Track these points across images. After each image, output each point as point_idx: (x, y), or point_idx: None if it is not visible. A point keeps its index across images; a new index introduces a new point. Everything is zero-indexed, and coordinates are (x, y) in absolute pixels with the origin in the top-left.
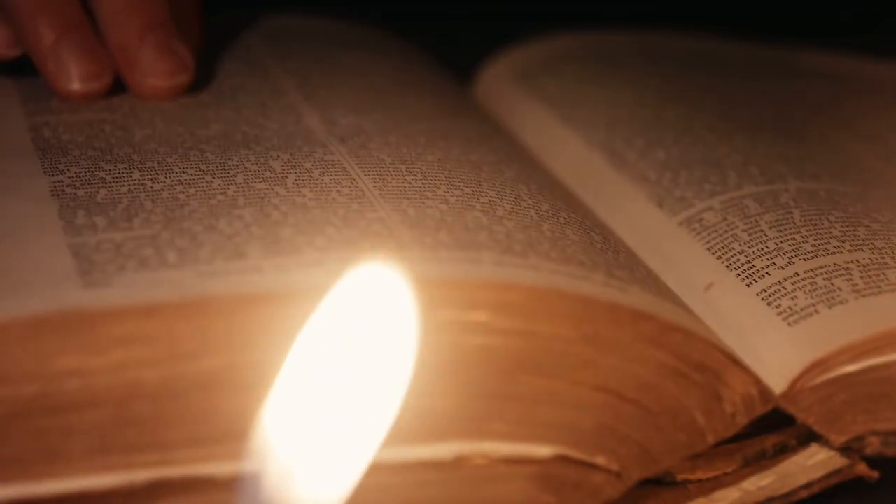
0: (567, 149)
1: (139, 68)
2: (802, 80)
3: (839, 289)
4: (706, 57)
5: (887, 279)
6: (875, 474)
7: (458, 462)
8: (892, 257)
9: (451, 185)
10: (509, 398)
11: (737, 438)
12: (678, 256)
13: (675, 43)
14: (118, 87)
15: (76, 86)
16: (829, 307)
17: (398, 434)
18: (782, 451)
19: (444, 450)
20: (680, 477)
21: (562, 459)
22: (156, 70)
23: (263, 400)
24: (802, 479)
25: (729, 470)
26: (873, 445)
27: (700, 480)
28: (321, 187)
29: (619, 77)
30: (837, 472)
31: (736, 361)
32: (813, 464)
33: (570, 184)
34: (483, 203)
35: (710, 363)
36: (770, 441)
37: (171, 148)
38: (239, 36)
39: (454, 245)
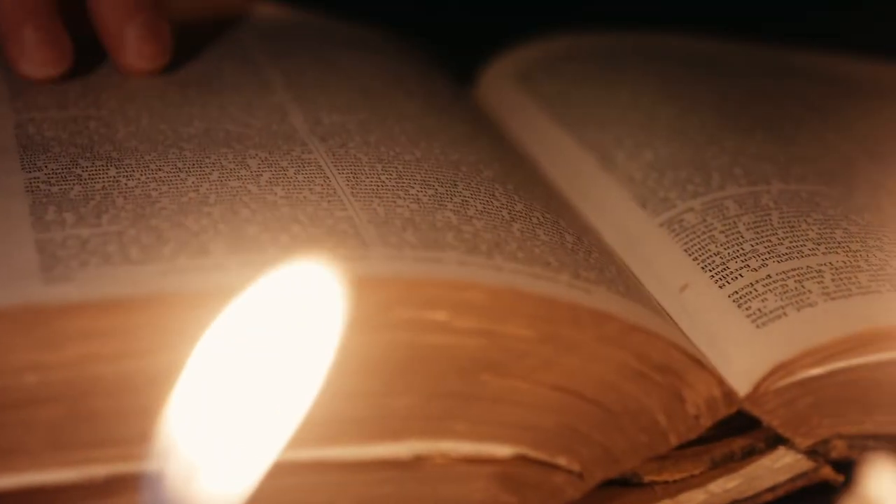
0: (560, 149)
1: (125, 49)
2: (798, 79)
3: (809, 291)
4: (704, 57)
5: (858, 282)
6: (840, 478)
7: (417, 461)
8: (866, 260)
9: (426, 184)
10: (469, 398)
11: (705, 441)
12: (657, 257)
13: (674, 43)
14: (105, 83)
15: (34, 70)
16: (798, 310)
17: (354, 433)
18: (750, 454)
19: (402, 449)
20: (647, 478)
21: (522, 459)
22: (143, 52)
23: None
24: (768, 482)
25: (696, 472)
26: (839, 449)
27: (667, 482)
28: (294, 185)
29: (615, 78)
30: (803, 475)
31: (699, 363)
32: (780, 467)
33: (561, 184)
34: (455, 203)
35: (672, 364)
36: (738, 443)
37: (151, 145)
38: (234, 32)
39: (419, 244)
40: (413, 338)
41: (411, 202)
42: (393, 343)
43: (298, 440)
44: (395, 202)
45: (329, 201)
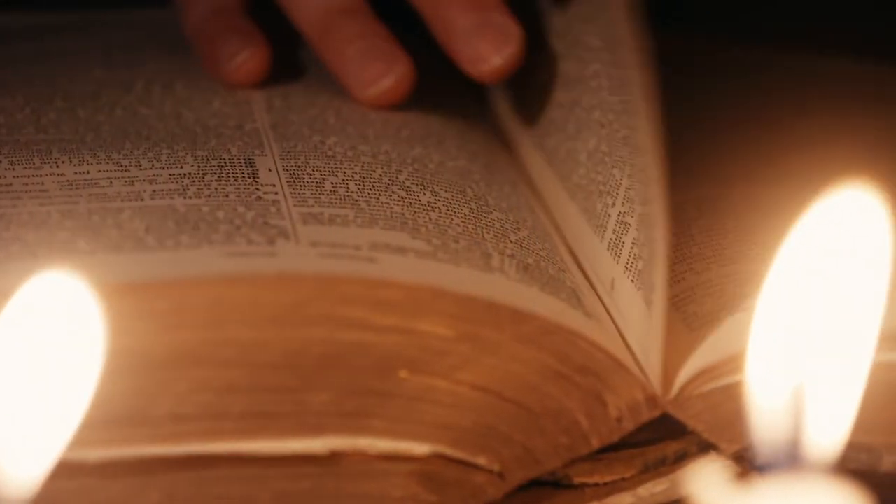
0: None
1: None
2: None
3: (747, 295)
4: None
5: None
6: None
7: (334, 457)
8: None
9: (365, 182)
10: (386, 395)
11: (638, 444)
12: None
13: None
14: None
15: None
16: (732, 314)
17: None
18: (682, 459)
19: (318, 444)
20: (577, 480)
21: (441, 458)
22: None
23: None
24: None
25: (627, 475)
26: None
27: (597, 484)
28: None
29: None
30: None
31: (623, 366)
32: (711, 470)
33: (545, 184)
34: (388, 199)
35: (593, 367)
36: (671, 448)
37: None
38: None
39: (338, 242)
40: (330, 334)
41: (347, 202)
42: (309, 339)
43: (211, 434)
44: (330, 201)
45: (259, 198)
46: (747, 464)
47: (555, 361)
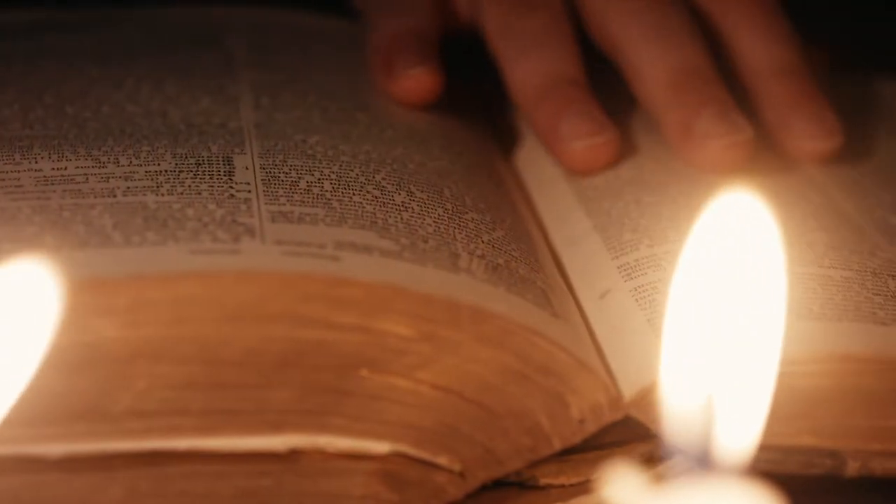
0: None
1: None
2: None
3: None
4: None
5: None
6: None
7: (294, 455)
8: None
9: (341, 182)
10: (346, 394)
11: (607, 445)
12: (589, 260)
13: None
14: None
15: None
16: None
17: (231, 424)
18: (650, 461)
19: (278, 442)
20: (543, 481)
21: (402, 457)
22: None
23: None
24: None
25: (594, 477)
26: None
27: (563, 485)
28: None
29: None
30: None
31: (585, 367)
32: (675, 473)
33: (532, 186)
34: (368, 199)
35: (555, 367)
36: (639, 450)
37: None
38: (226, 28)
39: (303, 240)
40: (290, 332)
41: (320, 201)
42: (269, 337)
43: (173, 430)
44: (303, 200)
45: (232, 196)
46: (661, 466)
47: (516, 362)
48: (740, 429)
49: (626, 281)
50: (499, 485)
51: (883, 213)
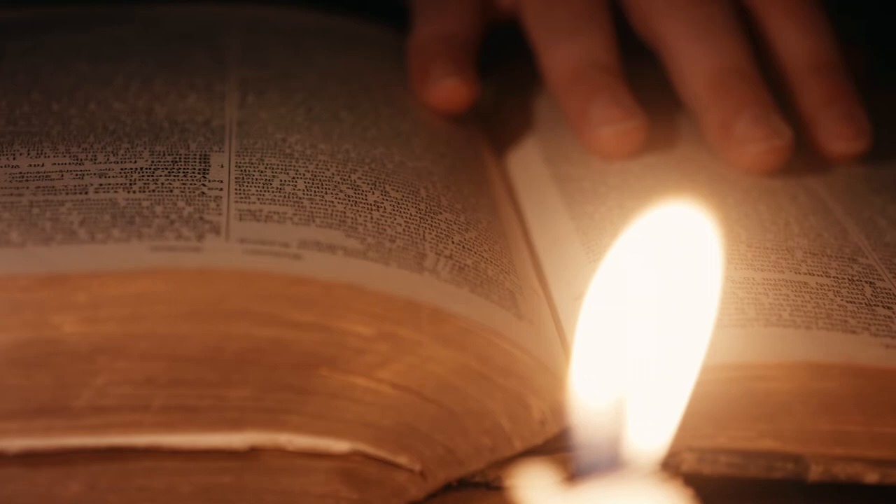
0: (528, 162)
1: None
2: None
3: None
4: None
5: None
6: (689, 492)
7: (253, 452)
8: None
9: (315, 181)
10: (306, 392)
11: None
12: (567, 261)
13: None
14: None
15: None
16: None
17: (190, 421)
18: (564, 461)
19: (237, 439)
20: (508, 482)
21: (362, 456)
22: (841, 134)
23: None
24: None
25: (560, 478)
26: (688, 462)
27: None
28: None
29: None
30: None
31: (547, 368)
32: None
33: (520, 189)
34: (340, 198)
35: (515, 368)
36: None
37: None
38: (222, 26)
39: (272, 239)
40: (248, 330)
41: (290, 199)
42: (228, 334)
43: (132, 426)
44: (273, 198)
45: (203, 193)
46: (574, 467)
47: (476, 362)
48: (653, 430)
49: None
50: (465, 485)
51: (871, 214)
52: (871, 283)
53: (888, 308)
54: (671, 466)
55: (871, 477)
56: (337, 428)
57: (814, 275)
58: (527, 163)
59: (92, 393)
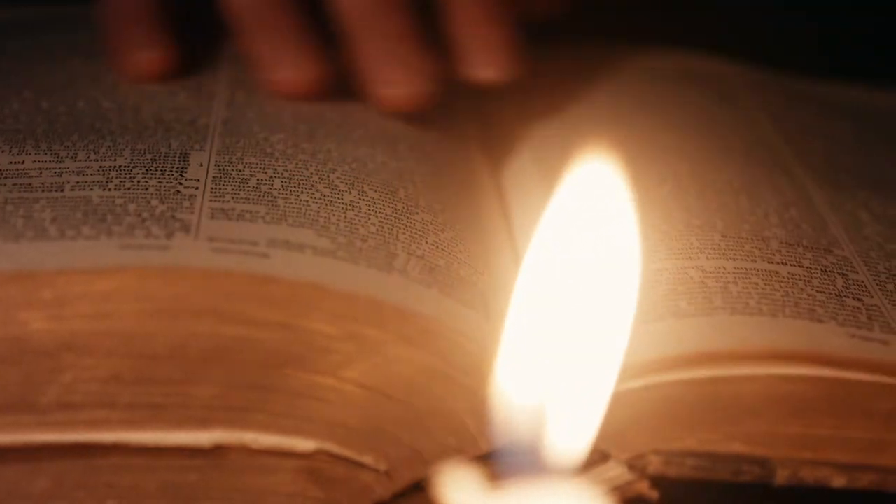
0: (519, 166)
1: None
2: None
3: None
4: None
5: (677, 304)
6: (654, 494)
7: (219, 450)
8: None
9: (291, 180)
10: (271, 390)
11: None
12: None
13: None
14: None
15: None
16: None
17: (155, 419)
18: (587, 464)
19: (203, 437)
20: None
21: (327, 455)
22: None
23: None
24: None
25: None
26: (654, 464)
27: None
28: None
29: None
30: (617, 488)
31: None
32: (606, 478)
33: (507, 185)
34: (316, 198)
35: (480, 369)
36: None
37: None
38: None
39: (241, 238)
40: (214, 329)
41: (265, 198)
42: (193, 333)
43: (99, 423)
44: (248, 197)
45: (178, 192)
46: (496, 467)
47: (440, 362)
48: (573, 431)
49: None
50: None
51: (853, 206)
52: (843, 274)
53: (858, 300)
54: (637, 469)
55: (839, 481)
56: (303, 427)
57: (787, 264)
58: (517, 163)
59: (59, 390)
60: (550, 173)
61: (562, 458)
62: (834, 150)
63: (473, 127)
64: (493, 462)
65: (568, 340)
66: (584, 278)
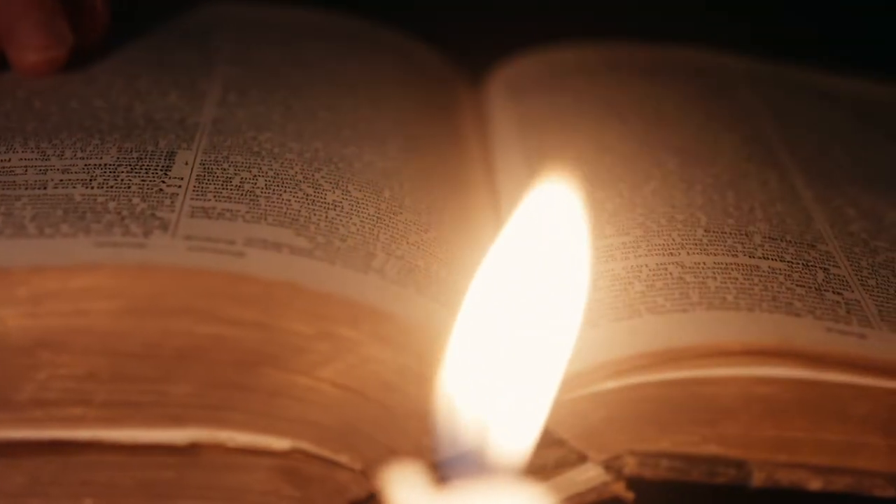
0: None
1: (16, 43)
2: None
3: (613, 305)
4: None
5: (654, 300)
6: (630, 495)
7: (194, 448)
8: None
9: (277, 180)
10: (247, 389)
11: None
12: None
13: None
14: None
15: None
16: (592, 327)
17: (131, 416)
18: (562, 465)
19: (178, 435)
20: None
21: (302, 454)
22: (32, 45)
23: None
24: (564, 494)
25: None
26: (630, 466)
27: None
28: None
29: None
30: (594, 489)
31: None
32: (583, 479)
33: (499, 181)
34: (298, 197)
35: None
36: (553, 454)
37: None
38: (217, 25)
39: (218, 236)
40: (189, 327)
41: (247, 197)
42: (169, 331)
43: (75, 421)
44: (230, 196)
45: (160, 190)
46: (441, 469)
47: (415, 362)
48: (517, 432)
49: None
50: None
51: (842, 202)
52: (825, 268)
53: (838, 294)
54: (613, 470)
55: (815, 484)
56: (278, 426)
57: (768, 259)
58: (509, 162)
59: (34, 387)
60: (540, 175)
61: (506, 461)
62: (830, 144)
63: (471, 126)
64: (440, 464)
65: (512, 346)
66: (531, 287)
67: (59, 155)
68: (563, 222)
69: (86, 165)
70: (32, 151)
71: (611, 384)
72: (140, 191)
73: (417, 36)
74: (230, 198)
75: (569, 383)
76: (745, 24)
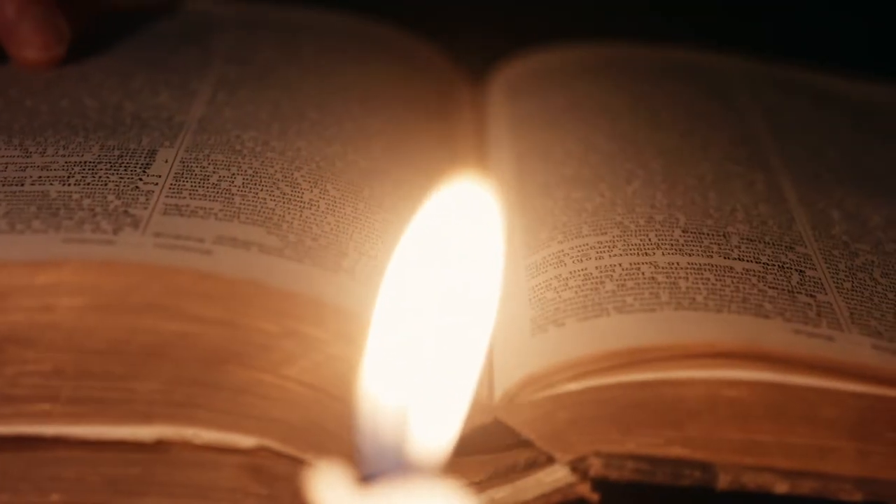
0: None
1: (17, 40)
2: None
3: (582, 304)
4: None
5: (623, 300)
6: (596, 497)
7: (161, 445)
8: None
9: (255, 179)
10: (212, 387)
11: (493, 450)
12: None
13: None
14: None
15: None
16: (558, 326)
17: (98, 413)
18: (532, 466)
19: (144, 432)
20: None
21: (269, 452)
22: (33, 43)
23: None
24: (531, 495)
25: (477, 479)
26: (595, 467)
27: None
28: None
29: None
30: (559, 490)
31: None
32: (551, 480)
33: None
34: (275, 196)
35: None
36: (523, 455)
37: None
38: (216, 25)
39: (187, 234)
40: (155, 324)
41: (222, 195)
42: (134, 328)
43: (42, 417)
44: (206, 194)
45: (136, 188)
46: (361, 469)
47: None
48: (435, 430)
49: (528, 280)
50: None
51: (826, 205)
52: (801, 271)
53: (811, 296)
54: (579, 471)
55: (781, 487)
56: (244, 423)
57: (743, 260)
58: (502, 162)
59: (1, 382)
60: (524, 169)
61: (425, 459)
62: (822, 146)
63: (469, 126)
64: (361, 462)
65: (429, 344)
66: (447, 285)
67: (40, 152)
68: (472, 224)
69: (66, 163)
70: (16, 149)
71: (574, 386)
72: (116, 188)
73: (421, 35)
74: (205, 196)
75: (533, 384)
76: (745, 24)
